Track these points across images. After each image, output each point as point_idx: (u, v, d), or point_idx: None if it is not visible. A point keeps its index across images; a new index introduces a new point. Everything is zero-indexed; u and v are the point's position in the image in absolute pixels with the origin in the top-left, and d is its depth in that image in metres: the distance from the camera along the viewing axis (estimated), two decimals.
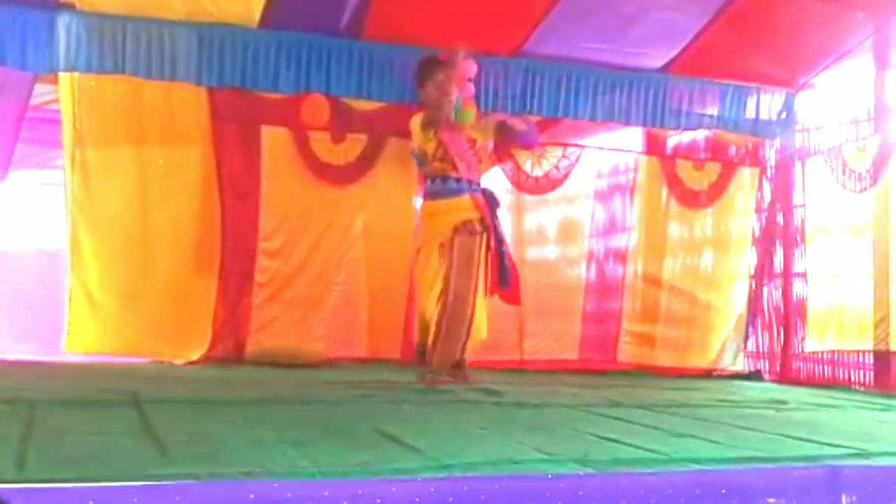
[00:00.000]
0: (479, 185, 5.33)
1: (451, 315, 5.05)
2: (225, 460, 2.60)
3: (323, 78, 6.12)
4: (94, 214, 6.00)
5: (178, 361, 5.98)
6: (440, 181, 5.24)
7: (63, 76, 5.85)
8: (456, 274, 5.05)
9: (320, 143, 6.36)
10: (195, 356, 6.03)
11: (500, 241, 5.27)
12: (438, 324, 5.07)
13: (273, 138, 6.28)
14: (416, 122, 5.31)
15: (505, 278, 5.25)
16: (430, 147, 5.22)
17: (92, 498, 2.19)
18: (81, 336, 5.97)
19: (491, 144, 5.55)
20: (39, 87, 5.98)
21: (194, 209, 6.17)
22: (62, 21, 5.58)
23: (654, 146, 7.19)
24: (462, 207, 5.19)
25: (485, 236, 5.17)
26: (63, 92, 5.91)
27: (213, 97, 6.11)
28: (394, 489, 2.39)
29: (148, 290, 6.04)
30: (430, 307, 5.13)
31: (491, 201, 5.30)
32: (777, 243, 7.36)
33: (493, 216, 5.27)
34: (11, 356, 5.83)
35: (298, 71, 6.07)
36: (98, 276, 6.00)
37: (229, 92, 6.07)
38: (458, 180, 5.20)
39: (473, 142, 5.29)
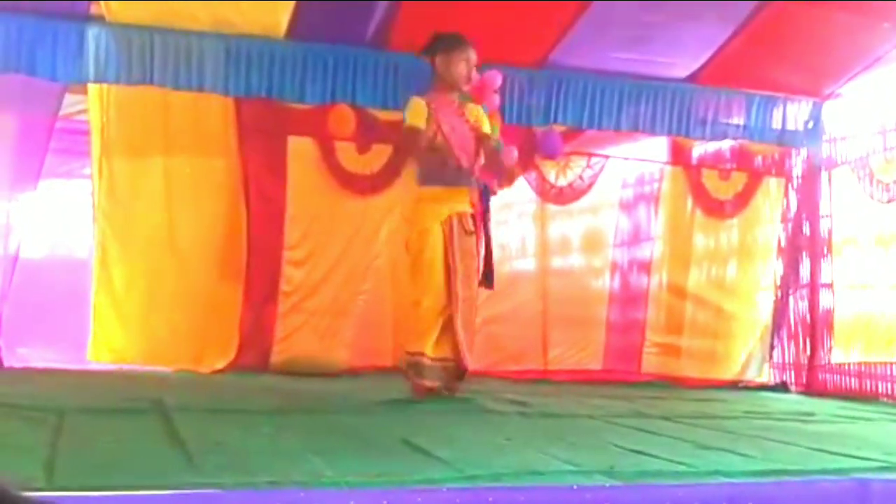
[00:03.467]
0: (478, 180, 4.93)
1: (465, 322, 4.74)
2: (251, 469, 2.61)
3: (349, 88, 6.13)
4: (120, 224, 6.06)
5: (204, 370, 6.01)
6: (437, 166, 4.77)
7: (92, 87, 5.91)
8: (463, 280, 4.72)
9: (346, 153, 6.39)
10: (221, 365, 6.06)
11: (489, 240, 4.97)
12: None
13: (299, 148, 6.32)
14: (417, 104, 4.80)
15: (490, 279, 4.93)
16: (430, 130, 4.79)
17: None
18: (106, 344, 6.01)
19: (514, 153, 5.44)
20: (66, 98, 6.05)
21: (220, 219, 6.22)
22: (91, 33, 5.63)
23: (679, 156, 7.17)
24: (461, 199, 4.83)
25: (479, 235, 4.85)
26: (92, 102, 5.98)
27: (239, 108, 6.15)
28: (419, 499, 2.39)
29: (174, 299, 6.08)
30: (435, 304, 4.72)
31: (486, 199, 5.04)
32: (803, 254, 7.31)
33: (487, 215, 5.01)
34: (39, 364, 5.89)
35: (325, 81, 6.09)
36: (124, 284, 6.04)
37: (256, 102, 6.10)
38: (458, 169, 4.78)
39: (480, 136, 4.91)
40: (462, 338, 4.69)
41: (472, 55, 4.89)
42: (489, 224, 5.04)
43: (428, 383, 4.69)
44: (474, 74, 5.03)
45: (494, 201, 6.63)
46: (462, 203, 4.82)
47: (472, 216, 4.85)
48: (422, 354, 4.68)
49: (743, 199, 7.22)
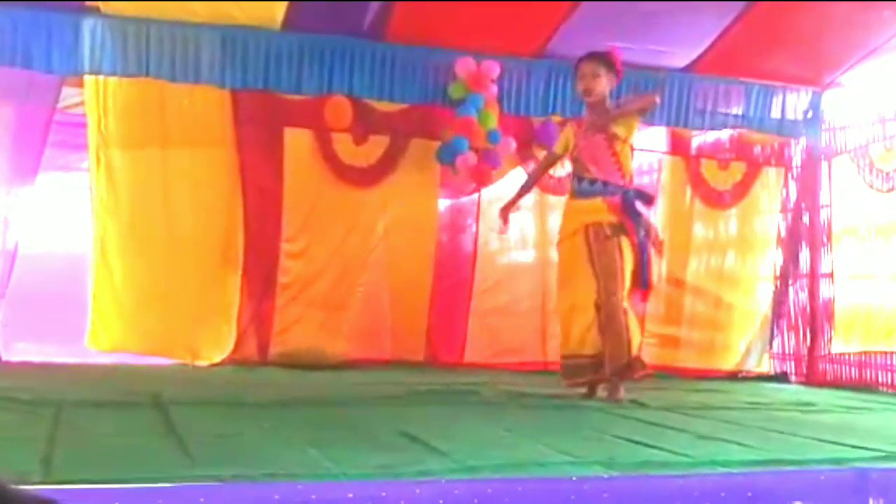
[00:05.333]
0: (618, 186, 4.94)
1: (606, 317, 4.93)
2: (249, 462, 2.61)
3: (346, 79, 6.12)
4: (118, 216, 6.05)
5: (202, 363, 6.01)
6: (576, 181, 5.06)
7: (89, 79, 5.89)
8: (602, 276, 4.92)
9: (343, 144, 6.36)
10: (219, 358, 6.06)
11: (641, 243, 5.02)
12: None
13: (296, 140, 6.30)
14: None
15: (644, 280, 5.09)
16: (568, 147, 5.17)
17: (117, 499, 2.20)
18: (104, 332, 6.01)
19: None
20: (63, 91, 6.03)
21: (218, 211, 6.20)
22: (87, 24, 5.62)
23: (678, 146, 7.15)
24: (594, 210, 4.96)
25: (621, 239, 4.92)
26: (89, 95, 5.95)
27: (236, 99, 6.14)
28: (417, 491, 2.38)
29: (171, 292, 6.06)
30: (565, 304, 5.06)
31: (629, 204, 5.00)
32: (803, 244, 7.30)
33: (634, 219, 5.00)
34: (37, 358, 5.88)
35: (321, 73, 6.08)
36: (122, 276, 6.04)
37: (252, 94, 6.09)
38: (591, 182, 4.96)
39: (613, 140, 4.96)
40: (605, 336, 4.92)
41: (585, 81, 5.01)
42: (641, 230, 5.01)
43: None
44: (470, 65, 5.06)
45: (493, 192, 6.65)
46: (595, 214, 4.94)
47: (612, 223, 4.92)
48: (572, 356, 5.00)
49: (742, 189, 7.19)
